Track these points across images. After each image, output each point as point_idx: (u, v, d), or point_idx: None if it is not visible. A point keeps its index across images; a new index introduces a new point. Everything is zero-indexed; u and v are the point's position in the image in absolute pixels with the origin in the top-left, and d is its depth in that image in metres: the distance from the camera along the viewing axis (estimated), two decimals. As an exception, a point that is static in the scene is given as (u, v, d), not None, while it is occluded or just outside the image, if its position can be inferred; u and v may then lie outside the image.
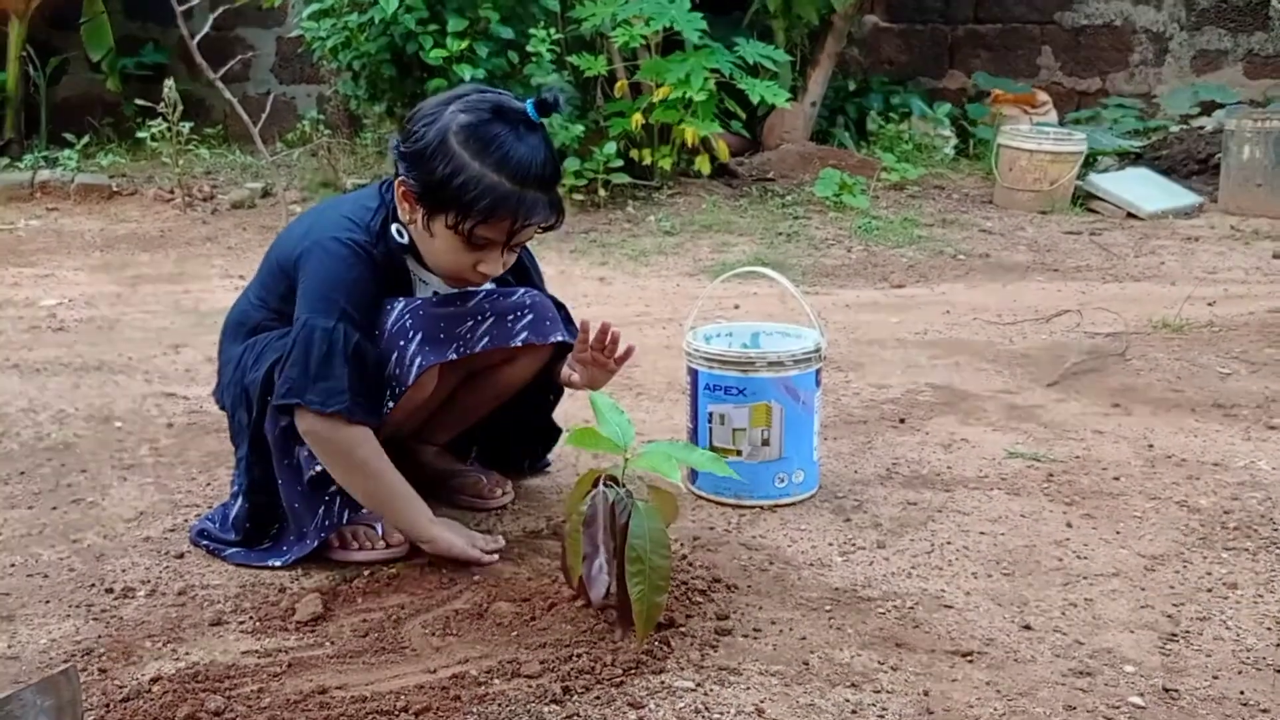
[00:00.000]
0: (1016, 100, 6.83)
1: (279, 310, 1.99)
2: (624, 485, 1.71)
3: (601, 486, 1.68)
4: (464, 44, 5.22)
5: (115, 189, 6.02)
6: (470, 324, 1.99)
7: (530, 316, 2.05)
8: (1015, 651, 1.71)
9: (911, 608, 1.85)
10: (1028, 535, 2.11)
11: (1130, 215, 5.50)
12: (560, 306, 2.13)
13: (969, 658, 1.69)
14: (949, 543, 2.08)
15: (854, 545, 2.08)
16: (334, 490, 1.95)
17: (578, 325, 2.06)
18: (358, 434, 1.89)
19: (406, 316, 1.93)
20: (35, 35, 7.38)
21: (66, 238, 5.26)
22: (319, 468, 1.92)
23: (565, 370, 2.08)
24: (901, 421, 2.73)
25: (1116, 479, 2.37)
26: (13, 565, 2.00)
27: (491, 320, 2.01)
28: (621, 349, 2.02)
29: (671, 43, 5.67)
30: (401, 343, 1.92)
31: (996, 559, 2.02)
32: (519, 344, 2.04)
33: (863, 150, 6.53)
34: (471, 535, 2.00)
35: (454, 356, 1.97)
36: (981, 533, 2.12)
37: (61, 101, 7.76)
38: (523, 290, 2.08)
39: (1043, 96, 6.90)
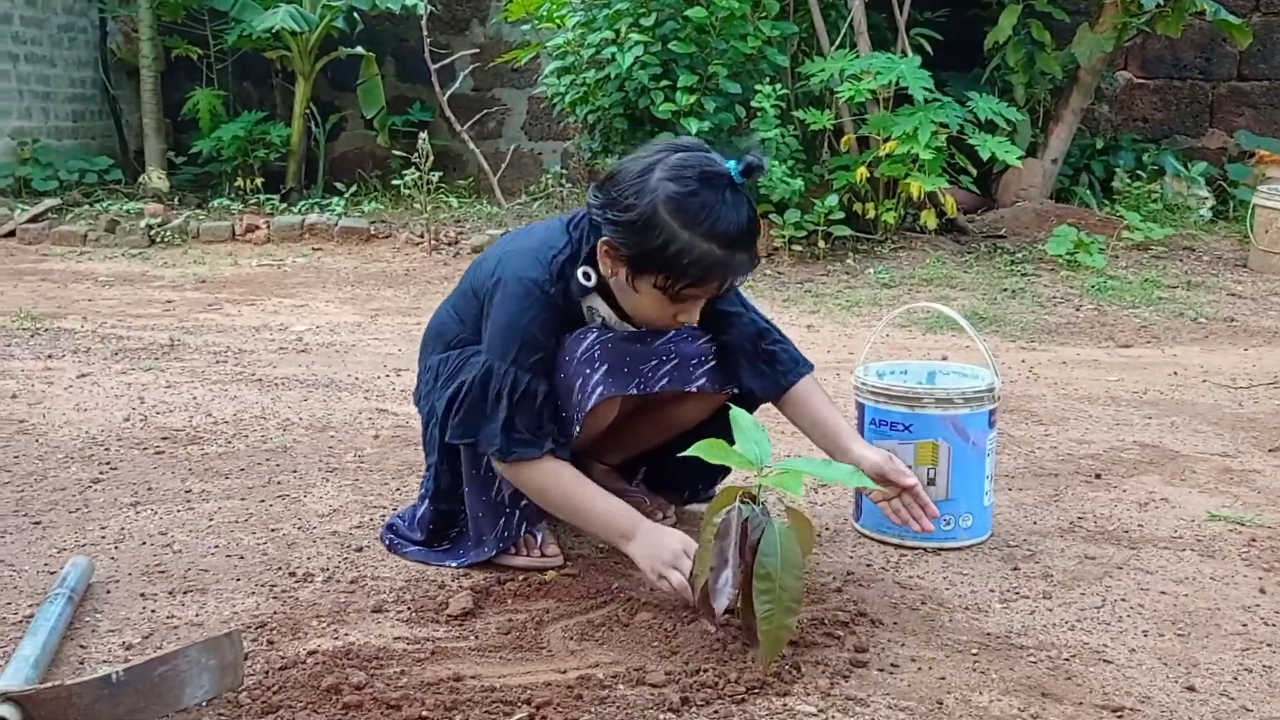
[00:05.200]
0: (1284, 160, 6.35)
1: (471, 328, 2.10)
2: (760, 503, 1.70)
3: (737, 502, 1.69)
4: (693, 99, 5.38)
5: (373, 232, 6.53)
6: (654, 363, 2.04)
7: (711, 364, 2.09)
8: (1172, 712, 1.58)
9: (1067, 659, 1.74)
10: (1213, 598, 1.94)
11: None
12: (765, 345, 2.11)
13: (1119, 714, 1.58)
14: (1123, 599, 1.95)
15: (1017, 593, 1.98)
16: (514, 507, 2.05)
17: (805, 360, 2.12)
18: (527, 471, 1.95)
19: (596, 347, 1.99)
20: (318, 95, 8.17)
21: (325, 274, 5.75)
22: (510, 489, 2.01)
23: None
24: (1097, 477, 2.59)
25: (1332, 550, 2.15)
26: (216, 547, 2.20)
27: (675, 363, 2.06)
28: (921, 522, 2.01)
29: (901, 97, 5.63)
30: (587, 370, 1.98)
31: (1173, 619, 1.87)
32: (694, 389, 2.09)
33: (1105, 210, 6.24)
34: (662, 557, 1.86)
35: (633, 392, 2.02)
36: (1162, 592, 1.98)
37: (339, 155, 8.53)
38: (707, 337, 2.11)
39: (1314, 156, 6.38)
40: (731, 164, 1.87)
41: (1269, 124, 6.84)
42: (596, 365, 1.98)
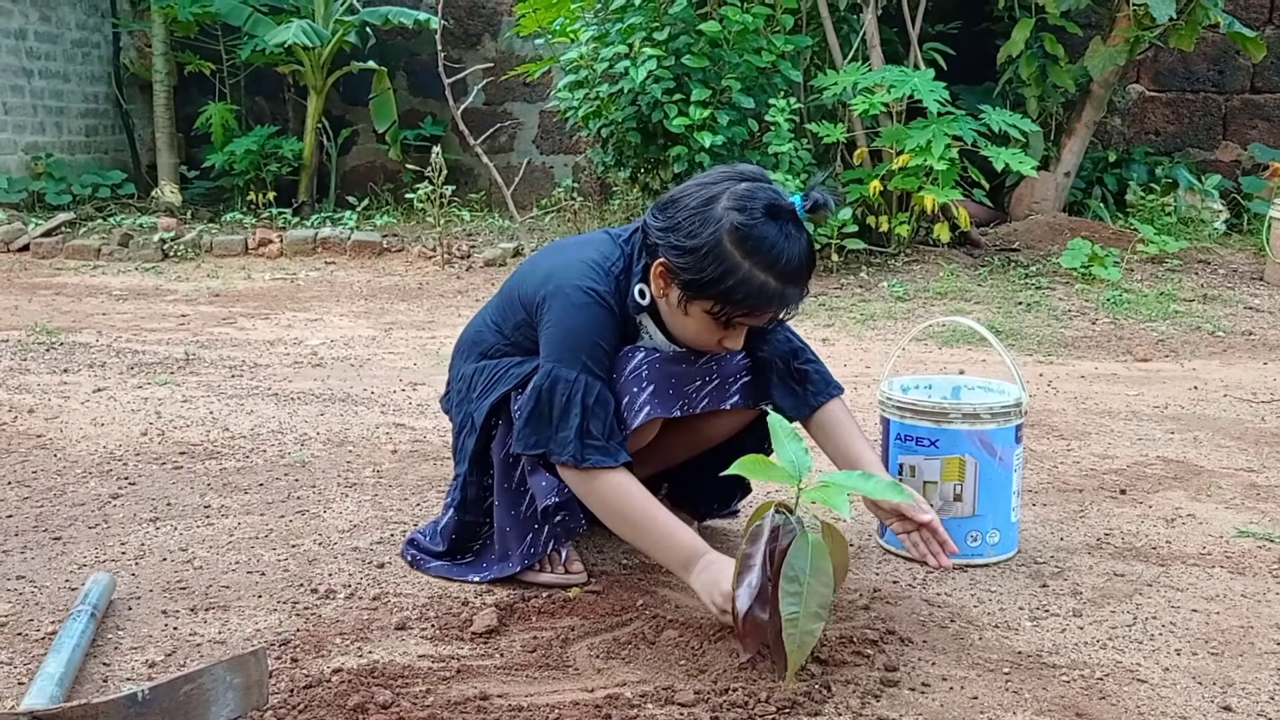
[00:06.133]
0: (1299, 173, 6.33)
1: (511, 338, 2.09)
2: (795, 514, 1.69)
3: (772, 510, 1.67)
4: (706, 113, 5.37)
5: (385, 246, 6.54)
6: (697, 384, 2.04)
7: (745, 379, 2.09)
8: (1210, 733, 1.56)
9: (1100, 679, 1.72)
10: (1246, 616, 1.92)
11: None
12: (798, 364, 2.09)
13: (1156, 735, 1.56)
14: (1154, 617, 1.93)
15: (1047, 611, 1.96)
16: (544, 523, 2.03)
17: (836, 384, 2.10)
18: (600, 480, 1.90)
19: (644, 367, 1.98)
20: (330, 109, 8.19)
21: (338, 287, 5.75)
22: (554, 499, 1.98)
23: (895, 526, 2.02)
24: (1122, 493, 2.56)
25: (1365, 567, 2.13)
26: (237, 563, 2.19)
27: (716, 384, 2.06)
28: (939, 558, 1.96)
29: (914, 110, 5.63)
30: (634, 389, 1.97)
31: (1206, 637, 1.85)
32: (728, 407, 2.08)
33: (1118, 223, 6.22)
34: (715, 598, 1.79)
35: (678, 414, 2.01)
36: (1194, 610, 1.95)
37: (350, 169, 8.54)
38: (743, 354, 2.10)
39: (1329, 169, 6.37)
40: (796, 198, 1.89)
41: (1283, 137, 6.83)
42: (644, 385, 1.97)
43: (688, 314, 1.93)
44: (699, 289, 1.88)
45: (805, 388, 2.09)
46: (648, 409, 1.95)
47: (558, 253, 2.10)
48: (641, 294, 1.99)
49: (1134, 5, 5.65)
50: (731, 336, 1.95)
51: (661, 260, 1.92)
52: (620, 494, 1.91)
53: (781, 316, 1.94)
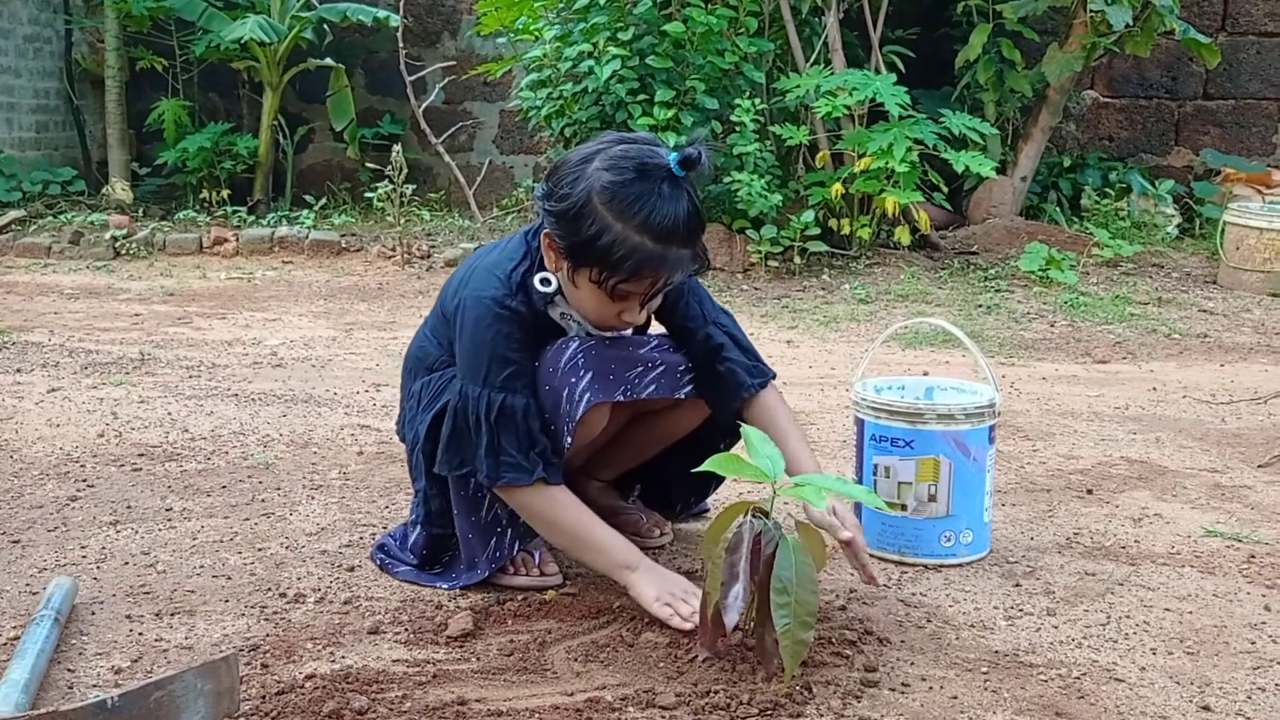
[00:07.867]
0: (1250, 179, 6.45)
1: (450, 350, 2.06)
2: (772, 518, 1.68)
3: (749, 516, 1.66)
4: (670, 113, 5.36)
5: (344, 245, 6.45)
6: (640, 369, 2.01)
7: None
8: (1189, 731, 1.57)
9: (1078, 678, 1.73)
10: (1219, 615, 1.94)
11: (1375, 300, 5.07)
12: (716, 366, 2.06)
13: (1136, 733, 1.57)
14: (1128, 616, 1.94)
15: (1021, 610, 1.97)
16: (505, 525, 2.00)
17: (767, 366, 2.09)
18: (523, 495, 1.91)
19: (580, 355, 1.95)
20: (286, 107, 8.07)
21: (296, 287, 5.67)
22: (500, 508, 1.97)
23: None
24: (1089, 493, 2.59)
25: (1329, 566, 2.16)
26: (202, 567, 2.14)
27: (661, 369, 2.03)
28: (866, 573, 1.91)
29: (876, 114, 5.66)
30: (573, 379, 1.94)
31: (1180, 637, 1.86)
32: (682, 396, 2.06)
33: (1073, 227, 6.29)
34: (672, 590, 1.86)
35: (620, 398, 1.98)
36: (1166, 609, 1.97)
37: (306, 167, 8.42)
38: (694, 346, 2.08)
39: (1279, 175, 6.48)
40: (672, 156, 1.83)
41: (1235, 142, 6.94)
42: (581, 373, 1.94)
43: (577, 286, 1.90)
44: (578, 255, 1.85)
45: (721, 391, 2.05)
46: (588, 395, 1.93)
47: (470, 262, 2.08)
48: (545, 282, 1.96)
49: (1091, 12, 5.73)
50: (628, 309, 1.91)
51: (546, 231, 1.90)
52: (547, 505, 1.91)
53: (665, 283, 1.87)
